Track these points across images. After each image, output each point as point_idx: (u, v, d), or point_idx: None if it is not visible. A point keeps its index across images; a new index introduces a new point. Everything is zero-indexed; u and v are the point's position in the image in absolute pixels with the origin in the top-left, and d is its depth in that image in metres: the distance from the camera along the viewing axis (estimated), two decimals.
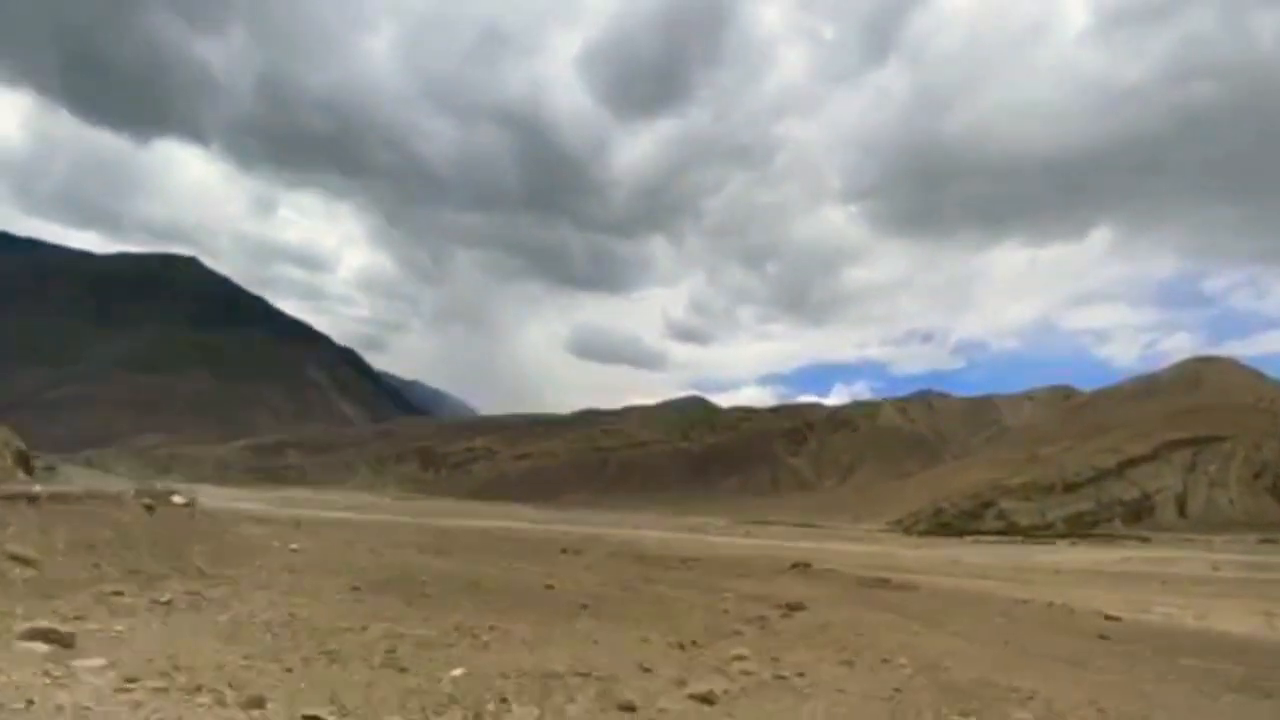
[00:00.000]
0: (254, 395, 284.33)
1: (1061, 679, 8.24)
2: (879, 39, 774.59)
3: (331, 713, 4.73)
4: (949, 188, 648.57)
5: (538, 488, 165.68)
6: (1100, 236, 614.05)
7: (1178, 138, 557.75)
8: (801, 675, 7.25)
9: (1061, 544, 68.62)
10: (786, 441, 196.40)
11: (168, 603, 7.25)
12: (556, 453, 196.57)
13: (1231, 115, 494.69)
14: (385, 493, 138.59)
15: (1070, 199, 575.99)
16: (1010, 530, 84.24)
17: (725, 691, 6.29)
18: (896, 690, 6.99)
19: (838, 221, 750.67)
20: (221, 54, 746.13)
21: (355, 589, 9.59)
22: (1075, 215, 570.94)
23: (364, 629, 7.30)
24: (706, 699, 6.01)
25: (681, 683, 6.47)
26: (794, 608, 11.55)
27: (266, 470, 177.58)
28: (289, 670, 5.55)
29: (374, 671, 5.84)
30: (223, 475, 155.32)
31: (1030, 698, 7.06)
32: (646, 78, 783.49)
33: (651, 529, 63.26)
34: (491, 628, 8.16)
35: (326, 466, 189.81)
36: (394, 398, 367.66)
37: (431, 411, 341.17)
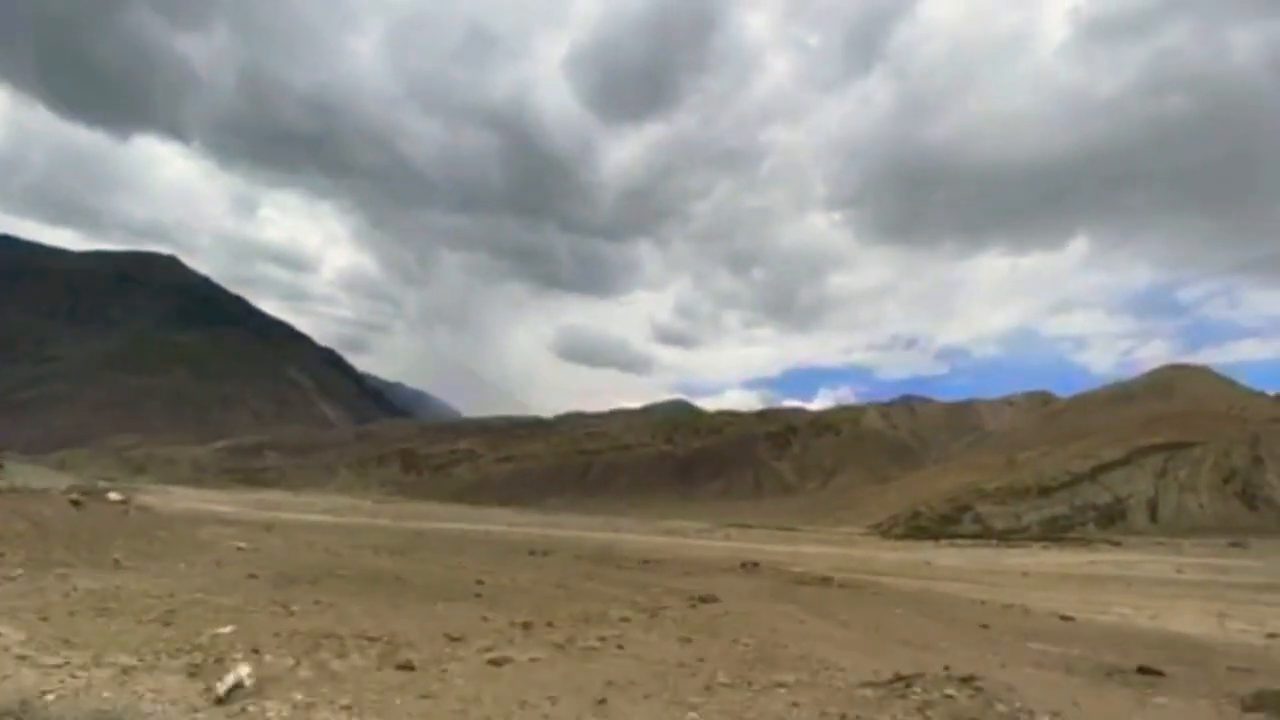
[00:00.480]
0: (233, 396, 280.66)
1: (881, 654, 8.12)
2: (864, 48, 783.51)
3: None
4: (932, 196, 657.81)
5: (521, 491, 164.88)
6: (1079, 245, 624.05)
7: (1153, 149, 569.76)
8: (621, 648, 7.26)
9: (1034, 547, 69.34)
10: (770, 445, 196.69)
11: (14, 578, 7.34)
12: (540, 456, 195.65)
13: (1206, 128, 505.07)
14: (366, 496, 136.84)
15: (1050, 208, 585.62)
16: (986, 534, 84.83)
17: (532, 660, 6.35)
18: (700, 660, 6.96)
19: (823, 228, 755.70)
20: (204, 50, 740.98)
21: (252, 577, 9.58)
22: (1055, 224, 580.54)
23: (170, 596, 7.33)
24: (496, 663, 6.13)
25: (488, 650, 6.54)
26: (704, 600, 11.68)
27: (245, 472, 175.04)
28: (44, 619, 5.73)
29: (138, 625, 5.93)
30: (199, 477, 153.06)
31: (826, 668, 7.01)
32: (633, 82, 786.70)
33: (631, 532, 63.12)
34: (315, 601, 8.09)
35: (306, 469, 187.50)
36: (376, 399, 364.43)
37: (414, 413, 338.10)
